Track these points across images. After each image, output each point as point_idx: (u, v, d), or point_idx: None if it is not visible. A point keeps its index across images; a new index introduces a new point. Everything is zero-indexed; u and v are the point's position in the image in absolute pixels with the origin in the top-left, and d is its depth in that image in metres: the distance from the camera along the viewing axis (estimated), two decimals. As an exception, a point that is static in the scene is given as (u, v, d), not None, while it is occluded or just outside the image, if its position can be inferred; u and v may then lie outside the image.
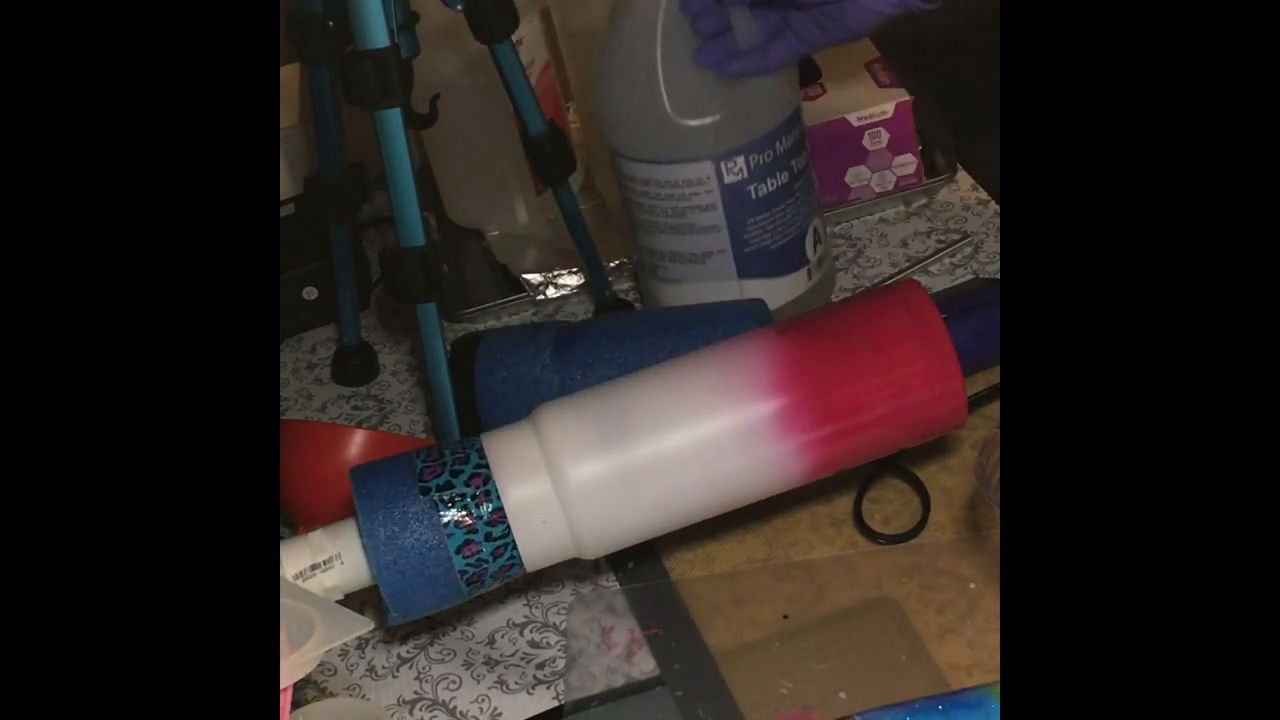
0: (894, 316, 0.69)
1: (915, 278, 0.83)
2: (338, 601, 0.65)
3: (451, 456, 0.69)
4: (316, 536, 0.69)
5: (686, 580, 0.75)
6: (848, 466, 0.71)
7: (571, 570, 0.78)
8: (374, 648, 0.77)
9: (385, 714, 0.72)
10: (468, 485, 0.67)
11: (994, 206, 0.97)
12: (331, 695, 0.74)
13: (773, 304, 0.85)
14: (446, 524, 0.67)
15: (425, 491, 0.67)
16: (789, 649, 0.70)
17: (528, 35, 0.97)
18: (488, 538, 0.67)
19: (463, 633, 0.76)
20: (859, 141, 0.97)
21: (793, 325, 0.71)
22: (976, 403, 0.79)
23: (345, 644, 0.76)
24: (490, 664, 0.74)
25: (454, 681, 0.74)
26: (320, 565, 0.68)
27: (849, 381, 0.68)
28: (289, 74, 1.08)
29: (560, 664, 0.73)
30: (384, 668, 0.76)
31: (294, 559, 0.68)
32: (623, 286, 0.98)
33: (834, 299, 0.91)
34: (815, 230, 0.87)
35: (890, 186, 0.98)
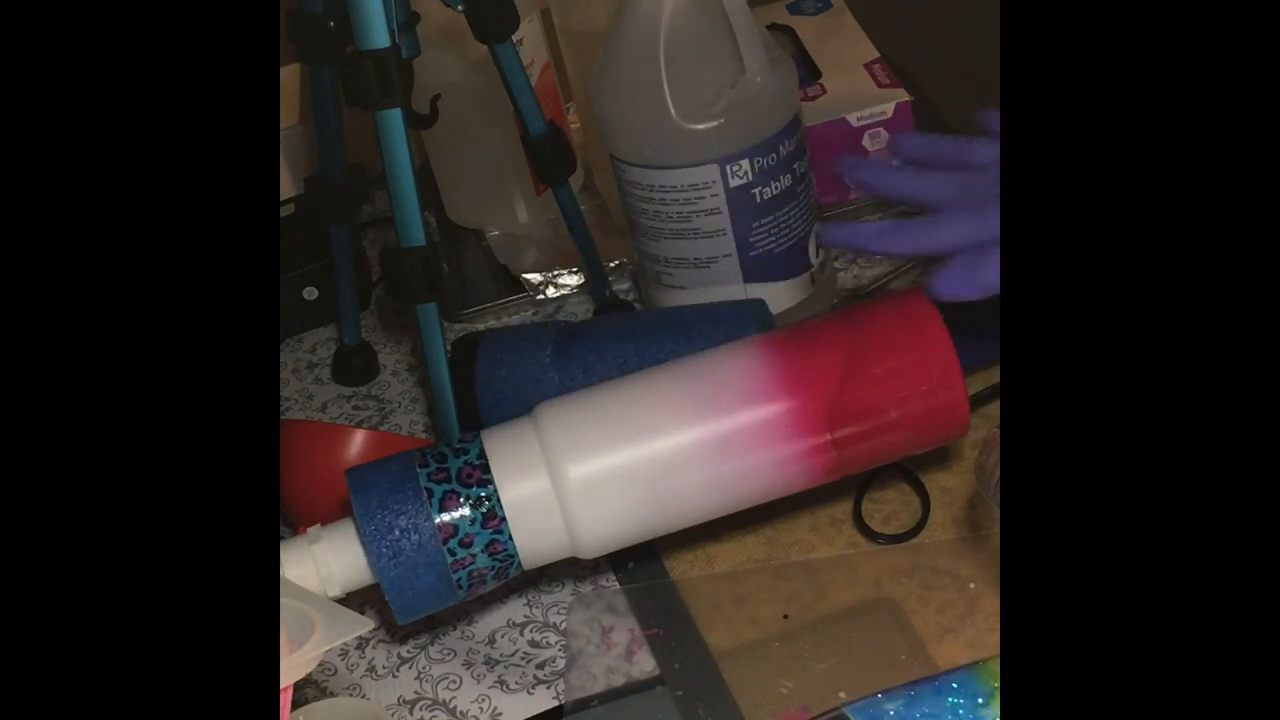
0: (896, 324, 0.69)
1: (915, 278, 0.83)
2: (338, 601, 0.65)
3: (451, 454, 0.68)
4: (316, 534, 0.69)
5: (686, 580, 0.75)
6: (844, 475, 0.71)
7: (571, 570, 0.78)
8: (374, 648, 0.77)
9: (385, 714, 0.72)
10: (466, 483, 0.67)
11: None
12: (331, 695, 0.74)
13: (777, 308, 0.85)
14: (445, 522, 0.67)
15: (424, 490, 0.67)
16: (789, 649, 0.70)
17: (528, 35, 0.97)
18: (486, 536, 0.67)
19: (463, 632, 0.76)
20: (859, 141, 0.97)
21: (795, 330, 0.71)
22: (976, 403, 0.79)
23: (345, 644, 0.76)
24: (490, 664, 0.74)
25: (454, 681, 0.74)
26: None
27: (850, 390, 0.68)
28: (289, 74, 1.08)
29: (560, 664, 0.73)
30: (384, 668, 0.76)
31: (294, 559, 0.68)
32: (623, 286, 0.98)
33: (835, 300, 0.91)
34: (817, 234, 0.87)
35: (890, 187, 0.98)
